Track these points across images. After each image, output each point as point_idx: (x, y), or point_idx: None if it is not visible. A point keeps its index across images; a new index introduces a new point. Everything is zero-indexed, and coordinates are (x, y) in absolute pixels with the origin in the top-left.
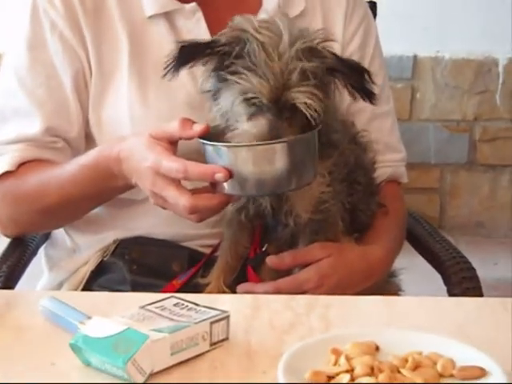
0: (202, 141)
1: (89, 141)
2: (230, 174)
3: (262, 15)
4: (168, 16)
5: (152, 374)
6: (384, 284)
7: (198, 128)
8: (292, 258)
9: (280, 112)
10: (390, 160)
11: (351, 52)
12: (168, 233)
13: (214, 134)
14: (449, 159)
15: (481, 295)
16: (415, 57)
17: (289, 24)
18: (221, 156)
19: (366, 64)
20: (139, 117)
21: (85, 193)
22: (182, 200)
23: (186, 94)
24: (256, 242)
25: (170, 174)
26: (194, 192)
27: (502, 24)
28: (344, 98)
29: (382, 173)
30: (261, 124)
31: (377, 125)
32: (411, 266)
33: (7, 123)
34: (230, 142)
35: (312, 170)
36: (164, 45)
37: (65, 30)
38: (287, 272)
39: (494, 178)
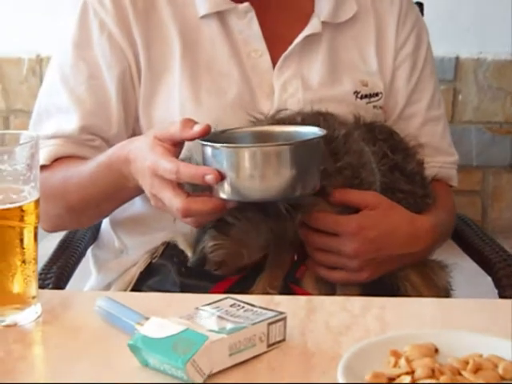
0: (199, 141)
1: None
2: (222, 177)
3: (314, 19)
4: (220, 16)
5: (210, 375)
6: (432, 268)
7: (197, 128)
8: (341, 194)
9: None
10: (439, 161)
11: (404, 57)
12: None
13: (216, 137)
14: (491, 161)
15: None
16: (457, 58)
17: None
18: (217, 157)
19: (418, 69)
20: (190, 116)
21: (102, 192)
22: (175, 202)
23: (237, 93)
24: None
25: (165, 175)
26: (191, 195)
27: None
28: (398, 102)
29: (429, 173)
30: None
31: (428, 129)
32: (458, 267)
33: (50, 119)
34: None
35: (317, 177)
36: (216, 44)
37: (114, 29)
38: (330, 284)
39: None
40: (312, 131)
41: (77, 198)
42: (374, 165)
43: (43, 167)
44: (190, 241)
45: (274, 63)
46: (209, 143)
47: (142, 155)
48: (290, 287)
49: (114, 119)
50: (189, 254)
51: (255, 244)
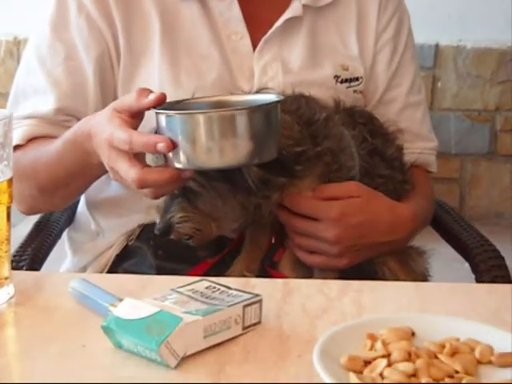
0: (154, 110)
1: None
2: (174, 145)
3: (295, 2)
4: None
5: (185, 357)
6: (410, 255)
7: (152, 97)
8: (323, 189)
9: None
10: (418, 147)
11: (385, 41)
12: None
13: (172, 106)
14: (469, 149)
15: (510, 283)
16: (437, 46)
17: None
18: (170, 125)
19: (399, 53)
20: (170, 97)
21: (68, 170)
22: (131, 173)
23: (217, 75)
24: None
25: (120, 146)
26: (147, 165)
27: None
28: (378, 87)
29: (409, 158)
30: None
31: (408, 114)
32: (436, 253)
33: (26, 100)
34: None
35: (274, 144)
36: (196, 27)
37: (92, 11)
38: (308, 268)
39: None
40: (269, 98)
41: (46, 177)
42: (354, 149)
43: (17, 147)
44: (161, 208)
45: (255, 46)
46: (162, 111)
47: (101, 128)
48: (267, 270)
49: (91, 100)
50: (157, 221)
51: (224, 217)
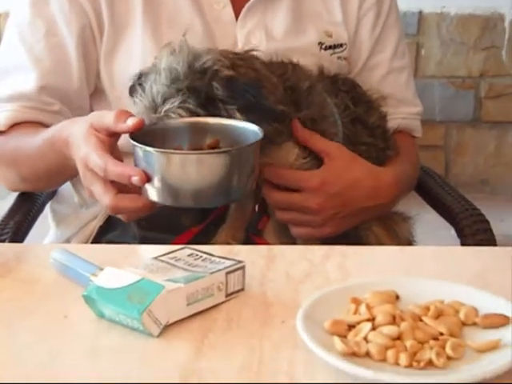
0: (130, 140)
1: (99, 95)
2: (148, 179)
3: None
4: None
5: (167, 325)
6: (394, 220)
7: (130, 122)
8: (307, 137)
9: None
10: (402, 112)
11: (368, 6)
12: None
13: (149, 133)
14: (454, 116)
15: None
16: (420, 12)
17: (186, 50)
18: (147, 159)
19: (382, 18)
20: None
21: (49, 167)
22: (105, 198)
23: (200, 44)
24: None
25: (95, 169)
26: (121, 191)
27: None
28: (362, 52)
29: (392, 124)
30: None
31: (392, 79)
32: (421, 218)
33: (8, 78)
34: (165, 143)
35: (245, 185)
36: (178, 1)
37: None
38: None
39: (499, 135)
40: (249, 128)
41: (28, 170)
42: (337, 116)
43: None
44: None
45: (237, 14)
46: (139, 145)
47: (78, 143)
48: (251, 238)
49: (75, 75)
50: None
51: None
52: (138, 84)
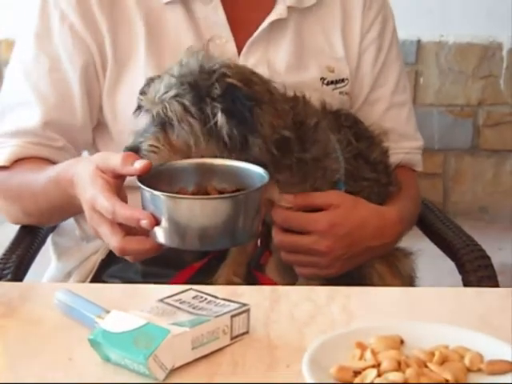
0: (139, 184)
1: (102, 129)
2: (157, 222)
3: (280, 4)
4: (185, 2)
5: (173, 370)
6: (396, 257)
7: (138, 165)
8: (304, 199)
9: (153, 121)
10: (404, 147)
11: (370, 41)
12: None
13: (155, 174)
14: (452, 144)
15: (496, 283)
16: (419, 41)
17: (199, 58)
18: (155, 203)
19: (383, 53)
20: None
21: (53, 204)
22: (112, 240)
23: None
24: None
25: (102, 212)
26: (128, 233)
27: (506, 8)
28: (363, 87)
29: (394, 159)
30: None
31: (393, 114)
32: (421, 251)
33: (12, 114)
34: (171, 184)
35: (250, 228)
36: (181, 31)
37: (75, 20)
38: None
39: (497, 163)
40: (253, 170)
41: (32, 206)
42: (339, 152)
43: (2, 168)
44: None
45: (240, 49)
46: (147, 188)
47: (83, 184)
48: (253, 274)
49: (79, 110)
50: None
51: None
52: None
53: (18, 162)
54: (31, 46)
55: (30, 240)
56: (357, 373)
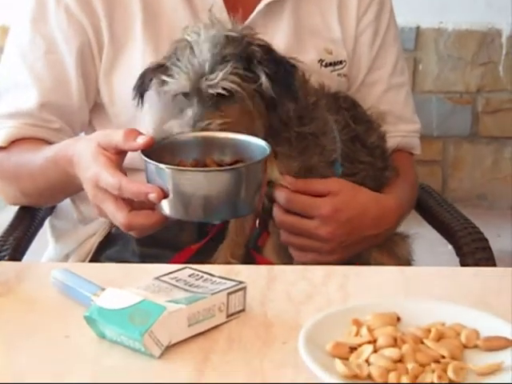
0: (143, 157)
1: (99, 110)
2: (165, 195)
3: None
4: None
5: (169, 346)
6: (394, 241)
7: (141, 140)
8: (304, 183)
9: (201, 100)
10: (401, 130)
11: (367, 23)
12: None
13: (158, 148)
14: (451, 131)
15: (494, 266)
16: (418, 28)
17: (215, 23)
18: (160, 176)
19: (380, 35)
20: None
21: (52, 184)
22: (118, 216)
23: None
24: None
25: (107, 188)
26: (134, 208)
27: None
28: (361, 69)
29: (391, 142)
30: (186, 116)
31: (391, 96)
32: (419, 236)
33: (8, 95)
34: (174, 156)
35: (252, 200)
36: (178, 14)
37: (71, 2)
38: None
39: (496, 150)
40: (255, 143)
41: (29, 186)
42: (336, 133)
43: (1, 148)
44: (186, 121)
45: None
46: (152, 162)
47: (85, 163)
48: (251, 254)
49: (75, 93)
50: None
51: None
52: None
53: (14, 142)
54: (27, 29)
55: (27, 222)
56: (353, 349)
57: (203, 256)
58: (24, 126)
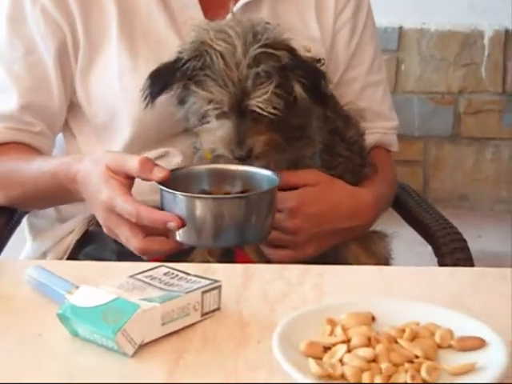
0: (160, 186)
1: (75, 111)
2: (183, 223)
3: None
4: None
5: (142, 345)
6: (372, 239)
7: (158, 174)
8: (281, 176)
9: (242, 118)
10: (380, 127)
11: (344, 21)
12: (155, 200)
13: (173, 174)
14: (433, 132)
15: (472, 266)
16: (401, 28)
17: (243, 30)
18: (177, 204)
19: (357, 33)
20: (129, 85)
21: (45, 196)
22: (133, 241)
23: None
24: None
25: (123, 214)
26: (148, 233)
27: None
28: (338, 67)
29: (370, 139)
30: (226, 127)
31: (368, 93)
32: (398, 236)
33: None
34: (187, 187)
35: (262, 228)
36: (152, 13)
37: (47, 3)
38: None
39: (478, 150)
40: (266, 173)
41: (19, 194)
42: (320, 124)
43: None
44: (230, 139)
45: None
46: (169, 190)
47: (96, 185)
48: (232, 249)
49: (55, 94)
50: (230, 151)
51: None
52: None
53: None
54: (4, 29)
55: (5, 220)
56: (327, 348)
57: (182, 254)
58: (5, 130)
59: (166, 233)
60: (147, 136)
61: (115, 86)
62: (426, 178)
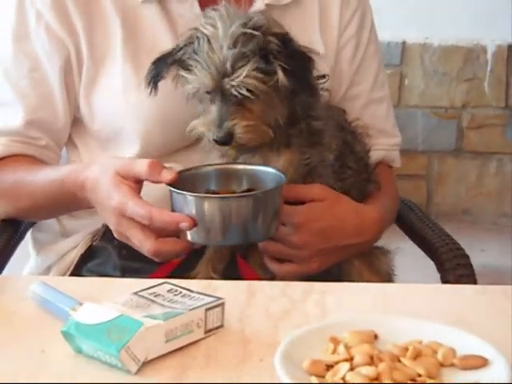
0: (169, 187)
1: (79, 127)
2: (195, 223)
3: (258, 2)
4: (161, 0)
5: (146, 362)
6: (375, 255)
7: (167, 176)
8: (288, 189)
9: (224, 100)
10: (383, 144)
11: (348, 37)
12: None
13: (181, 175)
14: (436, 146)
15: (475, 282)
16: (404, 43)
17: (232, 15)
18: (187, 204)
19: (361, 49)
20: (134, 101)
21: (54, 204)
22: (146, 244)
23: None
24: None
25: (135, 218)
26: (159, 235)
27: (491, 11)
28: (342, 83)
29: (374, 156)
30: (209, 109)
31: (372, 110)
32: (401, 251)
33: None
34: (195, 187)
35: (268, 226)
36: (157, 29)
37: (51, 20)
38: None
39: (481, 165)
40: (272, 172)
41: (28, 205)
42: (336, 132)
43: None
44: (211, 121)
45: None
46: (179, 191)
47: (105, 191)
48: (236, 262)
49: (60, 110)
50: (211, 133)
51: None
52: (172, 61)
53: (4, 160)
54: (10, 46)
55: (8, 235)
56: (329, 367)
57: (185, 270)
58: (11, 143)
59: (177, 233)
60: (154, 151)
61: (120, 102)
62: (430, 192)
